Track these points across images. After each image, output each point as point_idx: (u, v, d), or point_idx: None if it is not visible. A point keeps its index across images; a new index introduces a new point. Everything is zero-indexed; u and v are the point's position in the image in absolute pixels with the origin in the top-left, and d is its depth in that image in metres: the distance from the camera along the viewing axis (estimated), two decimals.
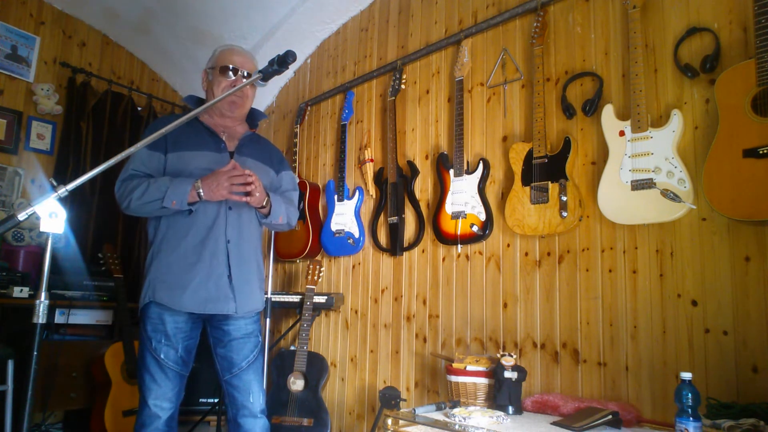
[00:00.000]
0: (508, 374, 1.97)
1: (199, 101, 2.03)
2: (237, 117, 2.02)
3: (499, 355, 2.02)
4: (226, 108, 1.96)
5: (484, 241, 2.47)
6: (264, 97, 4.05)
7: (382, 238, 2.97)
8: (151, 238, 1.92)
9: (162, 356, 1.80)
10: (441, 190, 2.63)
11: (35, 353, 1.18)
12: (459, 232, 2.51)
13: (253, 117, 2.11)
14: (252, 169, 1.96)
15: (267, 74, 1.58)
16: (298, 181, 3.27)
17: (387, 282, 2.93)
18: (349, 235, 3.08)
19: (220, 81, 1.94)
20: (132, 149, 1.35)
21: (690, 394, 1.45)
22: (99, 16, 3.90)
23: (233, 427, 1.91)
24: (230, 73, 1.94)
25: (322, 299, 3.00)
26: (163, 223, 1.88)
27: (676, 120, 1.87)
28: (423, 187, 2.82)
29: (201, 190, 1.78)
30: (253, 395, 1.91)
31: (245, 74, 1.96)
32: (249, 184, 1.80)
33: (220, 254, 1.86)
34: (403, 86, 2.96)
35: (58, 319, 3.16)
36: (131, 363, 3.05)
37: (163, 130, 1.39)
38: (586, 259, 2.13)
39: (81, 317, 3.28)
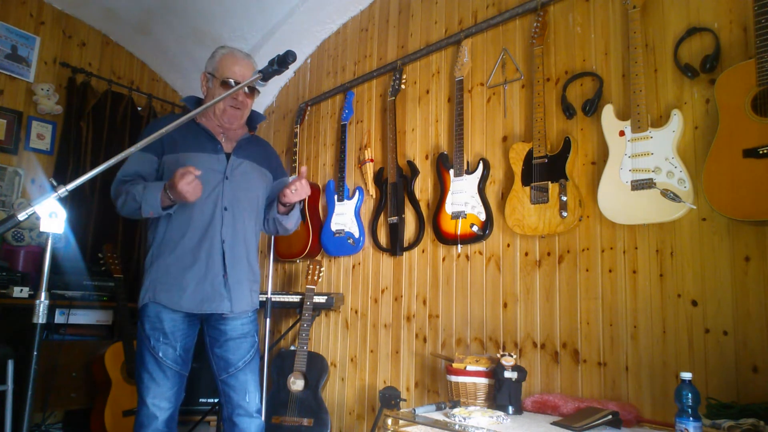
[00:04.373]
0: (508, 374, 1.98)
1: (198, 102, 2.03)
2: (236, 127, 2.03)
3: (499, 355, 2.02)
4: (225, 120, 1.96)
5: (484, 241, 2.47)
6: (264, 97, 4.04)
7: (382, 238, 2.97)
8: (150, 240, 1.93)
9: (161, 354, 1.80)
10: (441, 190, 2.63)
11: (35, 353, 1.18)
12: (459, 232, 2.51)
13: (251, 119, 2.10)
14: (249, 171, 1.99)
15: (267, 74, 1.58)
16: None
17: (387, 282, 2.93)
18: (349, 235, 3.08)
19: (222, 94, 1.90)
20: (132, 149, 1.35)
21: (690, 394, 1.45)
22: (99, 16, 3.90)
23: (229, 425, 1.92)
24: (232, 84, 1.92)
25: (322, 299, 3.00)
26: (161, 225, 1.88)
27: (676, 120, 1.87)
28: (423, 187, 2.82)
29: (170, 193, 1.75)
30: (249, 395, 1.92)
31: (247, 89, 1.95)
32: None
33: (215, 254, 1.87)
34: (403, 86, 2.96)
35: (58, 319, 3.16)
36: (131, 363, 3.05)
37: (156, 134, 1.38)
38: (586, 259, 2.13)
39: (81, 317, 3.28)
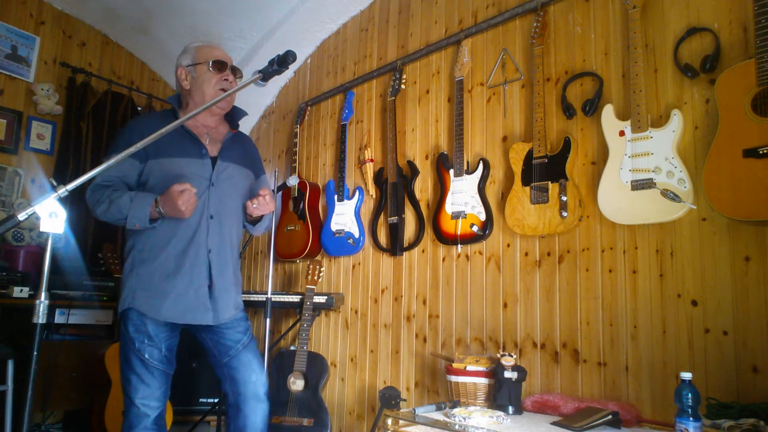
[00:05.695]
0: (508, 374, 1.98)
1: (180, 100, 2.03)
2: (225, 111, 2.02)
3: (499, 355, 2.02)
4: (216, 105, 1.93)
5: (484, 241, 2.47)
6: (264, 97, 4.05)
7: (382, 238, 2.97)
8: (131, 245, 1.89)
9: (147, 356, 1.79)
10: (441, 190, 2.63)
11: (35, 353, 1.18)
12: (459, 232, 2.51)
13: (233, 116, 2.07)
14: (235, 174, 1.98)
15: (267, 74, 1.58)
16: (298, 182, 3.31)
17: (387, 282, 2.93)
18: (349, 235, 3.08)
19: (211, 76, 1.93)
20: (132, 149, 1.36)
21: (690, 394, 1.45)
22: (99, 16, 3.90)
23: (234, 411, 1.88)
24: (220, 66, 1.95)
25: (322, 299, 3.00)
26: (144, 232, 1.84)
27: (676, 120, 1.87)
28: (423, 187, 2.82)
29: (161, 209, 1.74)
30: (255, 374, 1.88)
31: (232, 67, 1.99)
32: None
33: (201, 264, 1.85)
34: (403, 86, 2.96)
35: (58, 319, 3.16)
36: None
37: (151, 138, 1.37)
38: (586, 259, 2.13)
39: (81, 317, 3.28)
